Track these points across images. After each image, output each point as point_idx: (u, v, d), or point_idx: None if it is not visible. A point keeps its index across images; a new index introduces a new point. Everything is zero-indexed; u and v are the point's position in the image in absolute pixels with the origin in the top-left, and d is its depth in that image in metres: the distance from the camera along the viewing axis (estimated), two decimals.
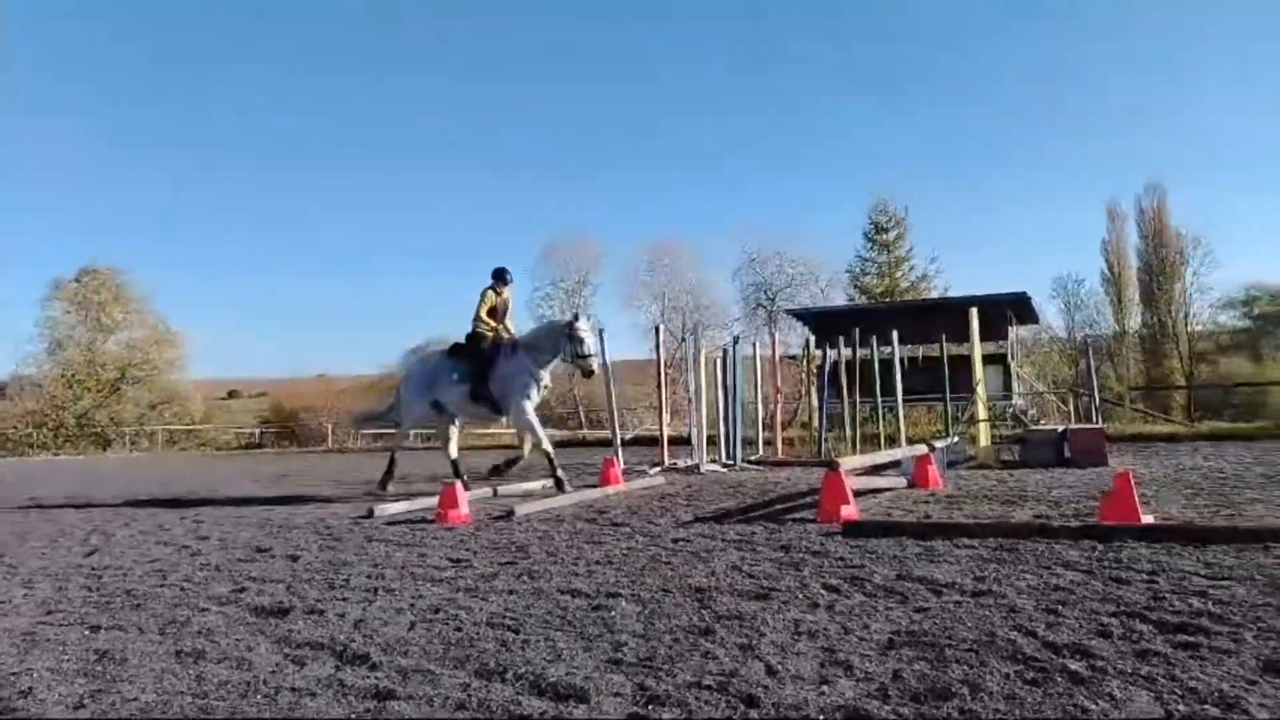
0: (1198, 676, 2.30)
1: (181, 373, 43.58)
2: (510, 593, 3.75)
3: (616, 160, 66.59)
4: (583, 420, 39.12)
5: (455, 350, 9.07)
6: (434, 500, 6.91)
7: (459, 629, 3.12)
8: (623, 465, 10.31)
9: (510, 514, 6.48)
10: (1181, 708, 2.08)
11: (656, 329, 14.32)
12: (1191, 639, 2.66)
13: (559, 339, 8.46)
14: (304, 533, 6.09)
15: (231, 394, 62.71)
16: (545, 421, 10.62)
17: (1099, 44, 58.14)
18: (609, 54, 66.59)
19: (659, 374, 13.04)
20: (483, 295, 9.02)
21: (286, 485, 11.41)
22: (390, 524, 6.43)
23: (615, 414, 12.44)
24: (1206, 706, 2.08)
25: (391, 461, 9.37)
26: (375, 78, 66.08)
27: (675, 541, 5.06)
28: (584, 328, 8.38)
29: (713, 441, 12.77)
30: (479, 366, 8.65)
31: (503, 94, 66.26)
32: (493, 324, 8.93)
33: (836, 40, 62.27)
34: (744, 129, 64.00)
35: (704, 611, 3.26)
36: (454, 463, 9.19)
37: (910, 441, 12.24)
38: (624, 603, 3.45)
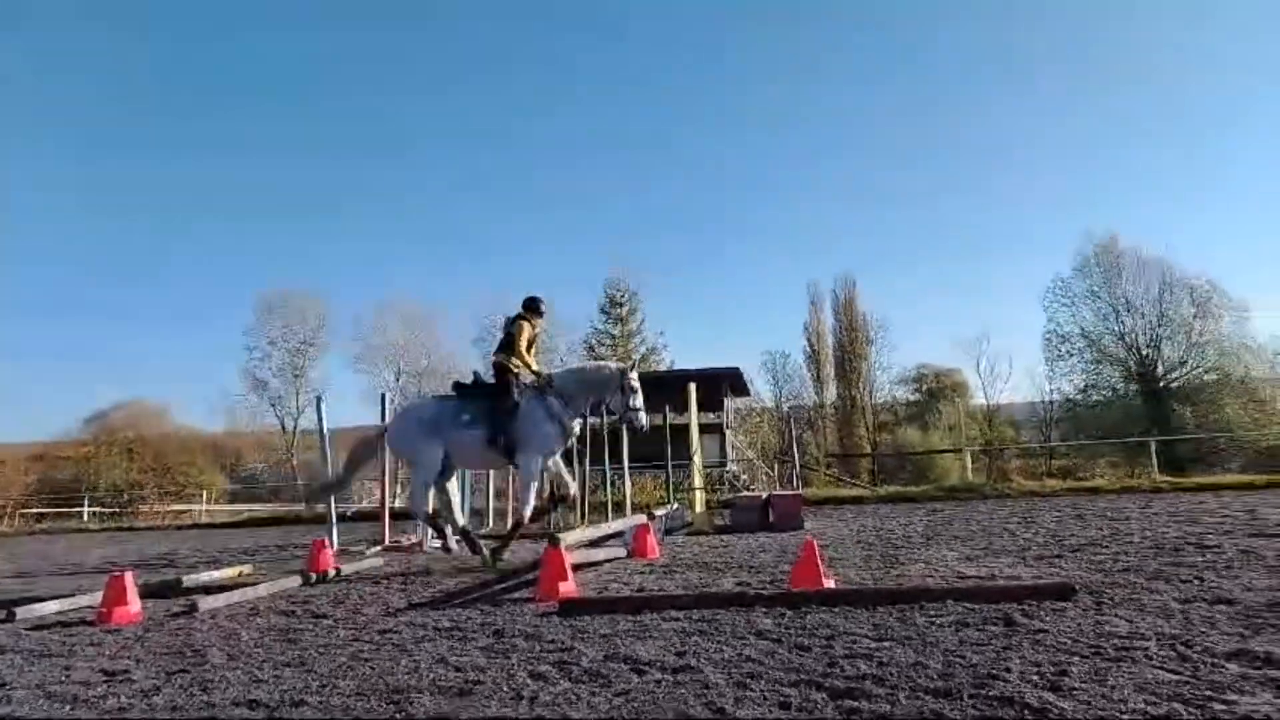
0: None
1: None
2: (173, 709, 3.25)
3: (339, 212, 63.86)
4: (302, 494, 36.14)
5: (461, 390, 7.82)
6: (97, 596, 5.95)
7: None
8: (336, 546, 9.60)
9: (193, 609, 5.72)
10: None
11: (383, 396, 13.67)
12: (855, 704, 2.90)
13: (607, 387, 7.58)
14: None
15: None
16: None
17: (794, 162, 66.11)
18: (290, 81, 64.28)
19: (380, 444, 12.38)
20: (518, 327, 7.78)
21: None
22: (35, 629, 5.41)
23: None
24: None
25: (435, 522, 7.91)
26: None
27: (382, 634, 4.72)
28: (636, 378, 7.67)
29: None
30: (497, 407, 7.44)
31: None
32: (528, 361, 7.73)
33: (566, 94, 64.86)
34: (479, 189, 64.42)
35: (398, 717, 3.03)
36: (465, 530, 7.77)
37: (636, 509, 12.63)
38: (308, 713, 3.12)
